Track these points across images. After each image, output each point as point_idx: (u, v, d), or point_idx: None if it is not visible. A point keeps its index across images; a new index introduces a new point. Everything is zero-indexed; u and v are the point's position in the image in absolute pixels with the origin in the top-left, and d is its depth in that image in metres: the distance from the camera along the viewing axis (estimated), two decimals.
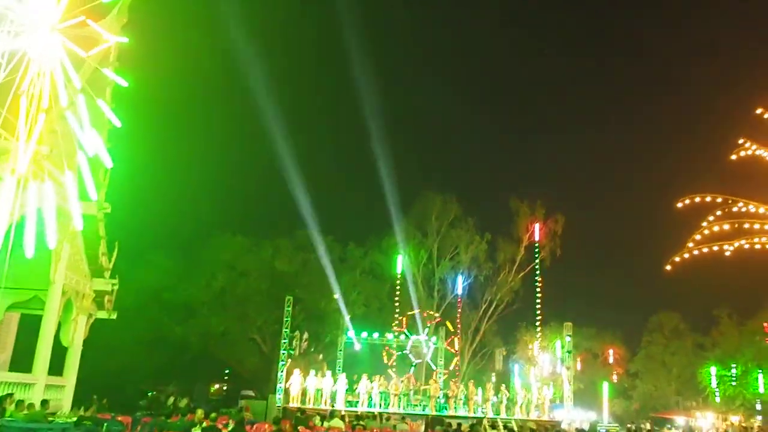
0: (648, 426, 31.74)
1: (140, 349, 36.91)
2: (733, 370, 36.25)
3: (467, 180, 71.35)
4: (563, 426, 29.87)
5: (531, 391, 34.53)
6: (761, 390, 34.76)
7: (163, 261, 37.18)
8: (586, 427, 32.49)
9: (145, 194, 32.92)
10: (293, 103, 61.30)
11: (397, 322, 39.57)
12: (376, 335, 37.33)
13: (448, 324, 41.57)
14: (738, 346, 36.26)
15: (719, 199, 21.64)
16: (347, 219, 51.40)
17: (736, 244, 22.08)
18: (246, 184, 52.03)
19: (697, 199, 21.79)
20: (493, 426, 22.97)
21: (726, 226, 21.76)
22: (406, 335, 38.56)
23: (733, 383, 36.17)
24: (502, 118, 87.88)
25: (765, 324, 37.26)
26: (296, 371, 29.66)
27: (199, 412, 15.42)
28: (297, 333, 35.14)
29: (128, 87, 12.93)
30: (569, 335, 33.29)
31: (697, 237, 22.20)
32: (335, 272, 41.26)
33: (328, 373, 30.54)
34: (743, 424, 35.69)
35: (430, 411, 30.20)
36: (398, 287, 41.27)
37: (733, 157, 22.16)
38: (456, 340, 42.34)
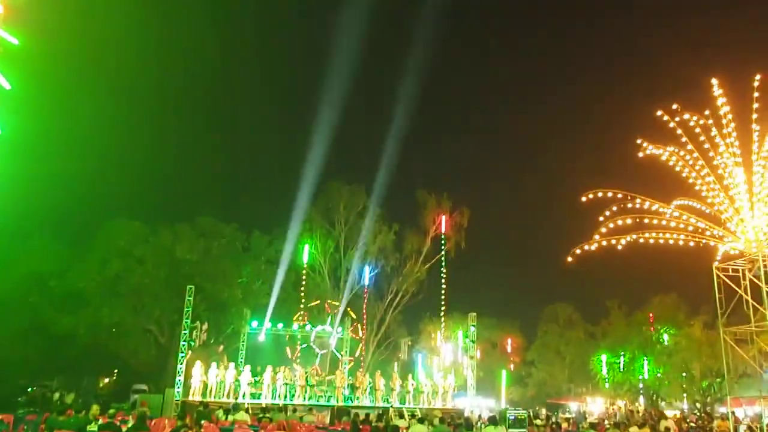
0: (544, 412, 32.81)
1: (19, 341, 34.42)
2: (622, 358, 38.08)
3: (376, 171, 71.45)
4: (466, 413, 30.32)
5: (435, 380, 34.95)
6: (646, 376, 36.73)
7: (49, 245, 34.82)
8: (486, 414, 33.22)
9: (32, 170, 30.51)
10: (199, 86, 59.33)
11: (302, 312, 39.03)
12: (280, 326, 36.57)
13: (351, 312, 41.47)
14: (626, 336, 38.15)
15: (620, 195, 22.47)
16: (252, 207, 50.46)
17: (628, 239, 22.92)
18: (145, 167, 49.84)
19: (600, 194, 22.53)
20: (401, 415, 22.89)
21: (629, 221, 22.61)
22: (312, 326, 38.08)
23: (621, 370, 38.02)
24: (411, 111, 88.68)
25: (650, 315, 39.38)
26: (198, 363, 28.53)
27: (95, 408, 14.35)
28: (197, 323, 33.90)
29: (20, 46, 11.70)
30: (473, 325, 33.83)
31: (603, 230, 22.95)
32: (239, 261, 40.19)
33: (231, 365, 29.55)
34: (629, 408, 37.68)
35: (336, 402, 29.90)
36: (304, 277, 40.63)
37: (641, 154, 23.04)
38: (361, 330, 42.31)
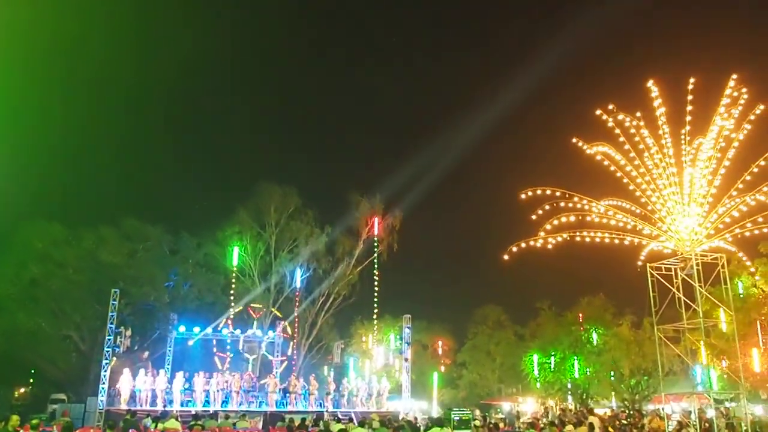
0: (479, 413, 32.81)
1: None
2: (552, 358, 38.62)
3: (308, 173, 70.57)
4: (400, 416, 29.98)
5: (369, 383, 34.51)
6: (576, 375, 37.37)
7: None
8: (419, 416, 33.02)
9: None
10: (122, 82, 57.02)
11: (232, 316, 37.81)
12: (209, 330, 35.29)
13: (288, 326, 40.57)
14: (557, 336, 38.71)
15: (558, 193, 22.57)
16: (180, 208, 48.53)
17: (564, 237, 23.05)
18: (66, 166, 47.34)
19: (539, 192, 22.54)
20: (337, 419, 22.31)
21: (564, 219, 22.73)
22: (241, 330, 36.95)
23: (552, 369, 38.56)
24: (343, 112, 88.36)
25: (580, 315, 40.17)
26: (126, 371, 27.12)
27: (14, 419, 13.16)
28: (122, 329, 32.33)
29: None
30: (408, 327, 33.60)
31: (547, 228, 22.97)
32: (166, 264, 38.64)
33: (161, 371, 28.32)
34: (560, 407, 38.31)
35: (269, 407, 29.02)
36: (233, 281, 39.36)
37: (585, 147, 23.20)
38: (293, 333, 41.41)
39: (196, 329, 34.89)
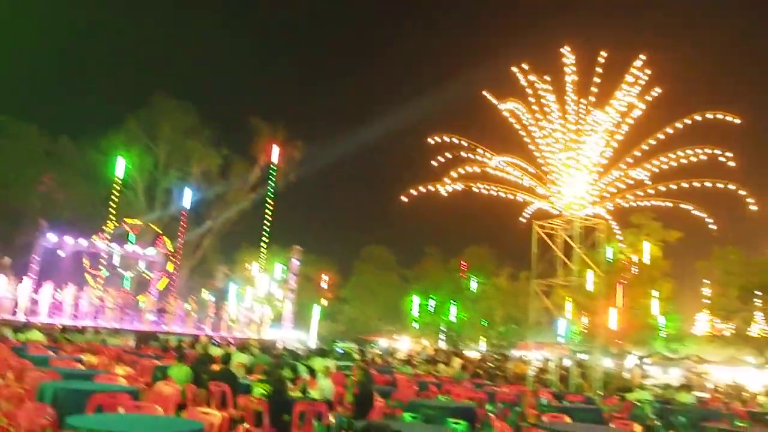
0: (355, 346, 33.58)
1: None
2: (432, 301, 39.94)
3: (208, 90, 67.25)
4: (278, 345, 30.20)
5: (250, 310, 34.40)
6: (453, 319, 38.95)
7: None
8: (297, 346, 33.41)
9: None
10: None
11: (110, 229, 36.07)
12: (84, 242, 33.58)
13: (168, 242, 39.30)
14: (439, 281, 39.98)
15: (464, 143, 22.88)
16: (62, 112, 45.20)
17: (458, 187, 23.51)
18: None
19: (446, 139, 22.73)
20: (216, 343, 22.06)
21: (462, 171, 23.13)
22: (120, 245, 35.48)
23: (431, 312, 39.97)
24: (253, 36, 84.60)
25: (463, 263, 41.61)
26: None
27: None
28: None
29: None
30: (298, 259, 33.51)
31: (454, 175, 23.20)
32: (40, 167, 36.06)
33: (25, 279, 26.73)
34: (434, 347, 39.97)
35: (143, 325, 28.29)
36: (116, 193, 37.33)
37: (499, 104, 23.43)
38: (175, 252, 40.29)
39: (69, 239, 33.12)
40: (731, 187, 20.53)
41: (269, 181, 41.48)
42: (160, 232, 39.60)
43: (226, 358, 11.69)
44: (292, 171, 43.48)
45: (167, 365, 12.43)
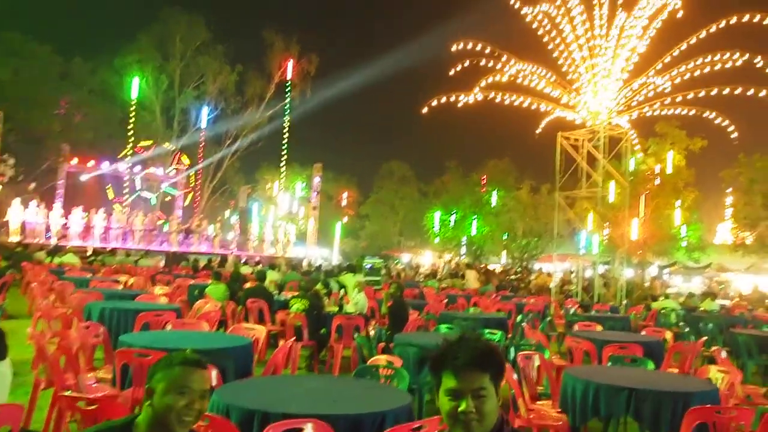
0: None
1: None
2: (453, 216, 40.03)
3: (220, 3, 65.53)
4: (304, 263, 30.74)
5: (274, 228, 34.82)
6: (474, 233, 39.13)
7: None
8: (321, 263, 33.98)
9: None
10: None
11: (131, 152, 36.18)
12: (106, 165, 33.80)
13: (186, 157, 39.37)
14: (460, 195, 39.91)
15: (488, 50, 22.14)
16: (73, 29, 44.49)
17: (479, 96, 22.92)
18: None
19: (470, 46, 21.96)
20: (244, 262, 22.51)
21: (497, 78, 22.37)
22: (141, 167, 35.71)
23: (452, 226, 40.12)
24: None
25: (484, 176, 41.41)
26: (15, 201, 25.75)
27: None
28: (5, 156, 30.34)
29: None
30: (319, 176, 33.53)
31: (481, 84, 22.51)
32: (56, 89, 35.74)
33: (55, 205, 27.11)
34: (456, 261, 40.47)
35: (171, 246, 28.83)
36: (133, 113, 37.17)
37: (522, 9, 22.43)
38: (196, 174, 40.53)
39: (91, 162, 33.36)
40: (762, 94, 19.90)
41: (286, 98, 41.06)
42: (180, 151, 39.62)
43: (261, 276, 11.90)
44: (307, 86, 42.79)
45: (202, 284, 12.71)
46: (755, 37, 20.66)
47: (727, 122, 21.77)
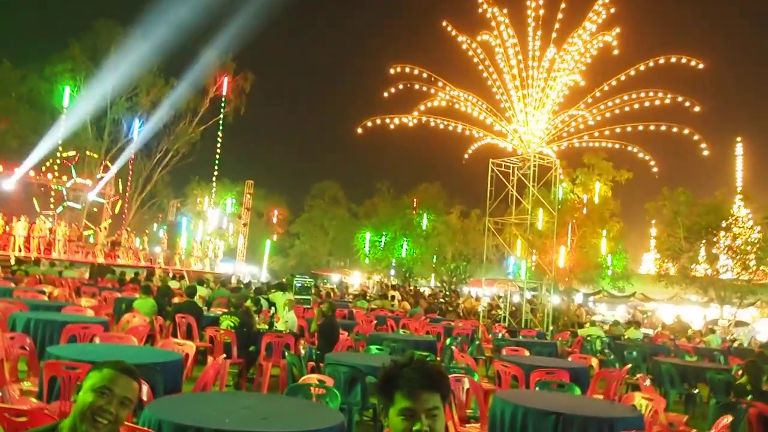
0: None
1: None
2: (384, 237, 40.24)
3: (153, 17, 64.30)
4: (232, 280, 30.24)
5: (203, 244, 34.17)
6: (404, 254, 39.46)
7: None
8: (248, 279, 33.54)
9: None
10: None
11: (59, 161, 34.97)
12: (32, 173, 32.53)
13: (108, 163, 38.29)
14: (390, 217, 40.19)
15: (425, 75, 22.54)
16: (1, 33, 42.75)
17: (415, 121, 23.25)
18: None
19: (407, 69, 22.30)
20: (172, 276, 21.99)
21: (437, 103, 22.77)
22: (68, 177, 34.53)
23: (382, 248, 40.31)
24: None
25: (415, 199, 41.90)
26: None
27: None
28: None
29: None
30: (250, 193, 33.22)
31: (422, 107, 22.77)
32: None
33: None
34: (384, 281, 40.67)
35: (96, 258, 27.89)
36: (63, 123, 36.07)
37: (459, 37, 22.97)
38: (125, 185, 39.47)
39: (15, 169, 32.03)
40: (686, 131, 21.06)
41: (220, 113, 40.72)
42: (109, 163, 38.60)
43: (191, 291, 11.69)
44: (242, 103, 42.59)
45: (130, 297, 12.39)
46: (680, 77, 21.80)
47: (648, 157, 22.89)
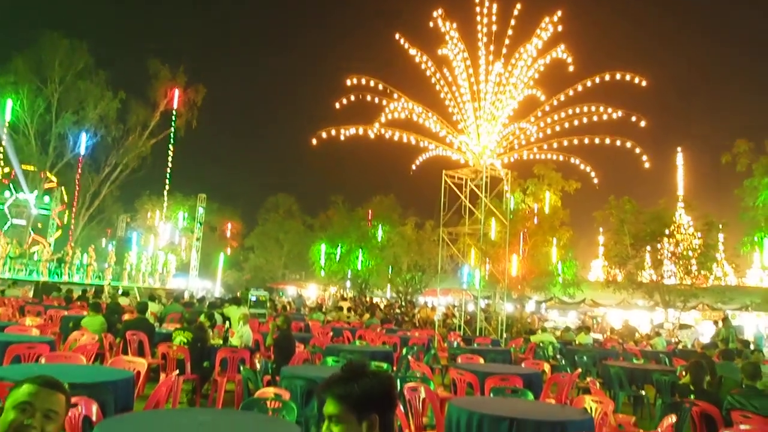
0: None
1: None
2: (339, 249, 40.16)
3: (104, 30, 63.42)
4: (185, 295, 29.75)
5: (154, 259, 33.53)
6: (359, 266, 39.44)
7: None
8: (201, 294, 33.04)
9: None
10: None
11: (1, 176, 34.01)
12: None
13: (52, 175, 37.28)
14: (345, 229, 40.17)
15: (380, 86, 22.65)
16: None
17: (370, 132, 23.27)
18: None
19: (363, 81, 22.33)
20: (124, 293, 21.50)
21: (399, 115, 22.81)
22: (11, 192, 33.52)
23: (338, 260, 40.22)
24: None
25: (370, 211, 41.98)
26: None
27: None
28: None
29: None
30: (202, 207, 32.80)
31: (383, 118, 22.79)
32: None
33: None
34: (341, 293, 40.57)
35: (41, 276, 27.07)
36: (4, 137, 35.15)
37: (411, 50, 23.16)
38: (71, 202, 38.52)
39: None
40: (628, 145, 21.75)
41: (171, 127, 40.16)
42: (53, 178, 37.66)
43: (143, 308, 11.46)
44: (193, 116, 42.10)
45: (77, 315, 12.08)
46: (626, 89, 22.41)
47: (589, 168, 23.56)
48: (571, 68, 22.32)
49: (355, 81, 22.19)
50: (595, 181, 23.70)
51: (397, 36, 23.24)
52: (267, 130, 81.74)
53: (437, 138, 23.51)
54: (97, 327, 10.43)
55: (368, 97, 22.86)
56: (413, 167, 24.23)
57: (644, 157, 22.00)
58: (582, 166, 23.59)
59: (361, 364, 2.42)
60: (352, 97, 22.76)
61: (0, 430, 2.32)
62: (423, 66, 23.03)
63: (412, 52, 23.00)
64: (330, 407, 2.26)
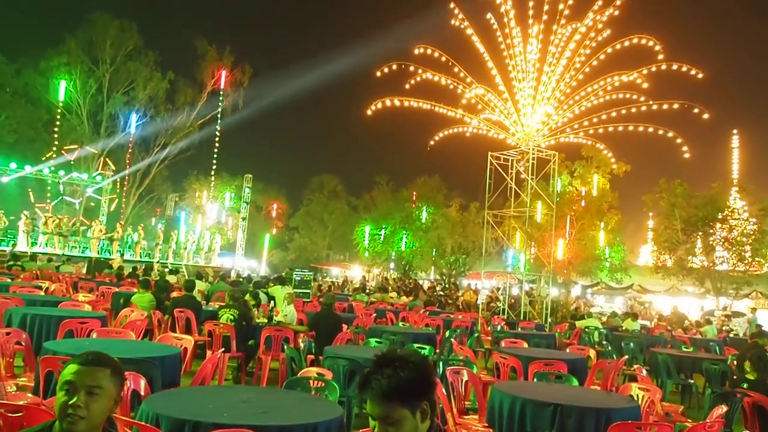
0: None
1: None
2: (383, 231, 40.25)
3: (152, 10, 64.24)
4: (232, 273, 30.25)
5: (200, 238, 34.13)
6: (403, 248, 39.48)
7: None
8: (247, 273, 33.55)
9: None
10: None
11: (54, 155, 34.94)
12: (28, 168, 32.47)
13: (111, 162, 38.19)
14: (390, 210, 40.21)
15: (412, 68, 22.57)
16: None
17: (419, 104, 23.17)
18: None
19: (394, 67, 22.31)
20: (171, 271, 21.93)
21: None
22: (65, 171, 34.47)
23: (382, 241, 40.33)
24: None
25: (414, 193, 41.92)
26: None
27: None
28: None
29: None
30: (249, 187, 33.18)
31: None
32: None
33: None
34: (384, 275, 40.71)
35: (93, 253, 27.84)
36: (59, 117, 36.12)
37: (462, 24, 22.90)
38: (123, 181, 39.43)
39: (12, 165, 31.98)
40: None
41: (218, 107, 40.64)
42: (106, 158, 38.57)
43: (190, 285, 11.66)
44: (240, 97, 42.48)
45: (128, 292, 12.37)
46: (685, 78, 21.77)
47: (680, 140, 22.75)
48: (660, 56, 21.56)
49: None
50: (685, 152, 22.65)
51: (451, 5, 22.96)
52: (313, 109, 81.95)
53: (487, 119, 23.28)
54: (147, 304, 10.65)
55: (427, 74, 22.79)
56: (489, 155, 23.90)
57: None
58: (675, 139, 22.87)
59: (391, 352, 2.35)
60: (399, 67, 22.69)
61: (54, 410, 2.40)
62: (475, 39, 22.72)
63: (464, 25, 22.73)
64: (376, 409, 2.20)
